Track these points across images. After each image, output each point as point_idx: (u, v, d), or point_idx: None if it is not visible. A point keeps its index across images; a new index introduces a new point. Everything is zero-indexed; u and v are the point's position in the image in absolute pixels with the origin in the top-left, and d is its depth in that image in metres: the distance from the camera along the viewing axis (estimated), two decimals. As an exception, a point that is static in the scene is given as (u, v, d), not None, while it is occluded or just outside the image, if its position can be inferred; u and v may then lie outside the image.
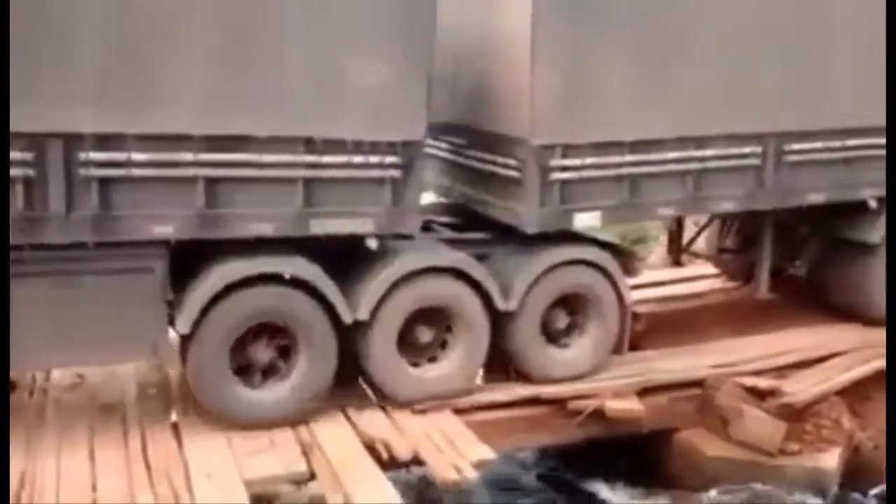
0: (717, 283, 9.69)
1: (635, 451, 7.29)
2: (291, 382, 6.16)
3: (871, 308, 8.49)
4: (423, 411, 6.41)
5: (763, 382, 7.16)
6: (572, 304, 7.16)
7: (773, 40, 7.33)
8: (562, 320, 7.16)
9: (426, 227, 7.66)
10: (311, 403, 6.19)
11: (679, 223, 9.80)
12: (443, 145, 7.98)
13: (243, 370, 6.12)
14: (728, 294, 9.34)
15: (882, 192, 8.13)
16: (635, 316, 7.66)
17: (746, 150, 7.44)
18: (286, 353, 6.20)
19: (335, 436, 5.98)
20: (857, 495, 7.05)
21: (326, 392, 6.25)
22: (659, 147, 7.06)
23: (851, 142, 7.87)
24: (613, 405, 6.81)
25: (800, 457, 6.92)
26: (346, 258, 6.35)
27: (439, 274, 6.49)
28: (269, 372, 6.21)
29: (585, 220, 6.93)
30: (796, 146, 7.63)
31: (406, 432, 6.13)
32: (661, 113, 6.99)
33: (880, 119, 7.87)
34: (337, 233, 6.05)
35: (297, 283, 5.99)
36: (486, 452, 5.92)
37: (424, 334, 6.61)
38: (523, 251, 6.95)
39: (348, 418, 6.27)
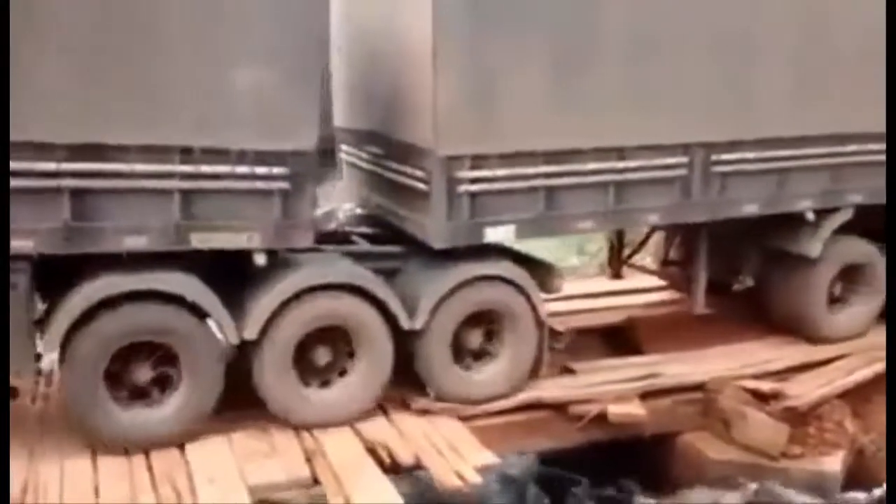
0: (659, 297, 9.34)
1: (638, 455, 7.21)
2: (174, 403, 5.82)
3: (812, 325, 8.19)
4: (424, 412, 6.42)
5: (765, 385, 7.14)
6: (487, 323, 6.83)
7: (698, 46, 6.98)
8: (476, 339, 6.82)
9: (345, 240, 7.40)
10: (195, 425, 5.85)
11: (619, 234, 9.47)
12: (363, 154, 7.69)
13: (124, 390, 5.79)
14: (664, 308, 8.97)
15: (820, 203, 7.84)
16: (556, 333, 7.35)
17: (671, 160, 7.10)
18: (169, 372, 5.86)
19: (338, 440, 5.98)
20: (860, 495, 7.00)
21: (211, 413, 5.92)
22: (576, 158, 6.72)
23: (786, 152, 7.54)
24: (616, 409, 6.76)
25: (803, 460, 6.88)
26: (240, 273, 6.02)
27: (337, 291, 6.15)
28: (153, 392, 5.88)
29: (498, 235, 6.59)
30: (726, 157, 7.29)
31: (408, 437, 6.11)
32: (578, 122, 6.63)
33: (816, 128, 7.59)
34: (221, 247, 5.71)
35: (178, 300, 5.66)
36: (489, 457, 5.90)
37: (323, 355, 6.27)
38: (435, 266, 6.61)
39: (351, 423, 6.23)
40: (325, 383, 6.31)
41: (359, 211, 7.94)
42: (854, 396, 7.34)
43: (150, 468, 5.51)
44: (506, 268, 6.71)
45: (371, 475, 5.59)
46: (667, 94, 6.92)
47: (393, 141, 6.94)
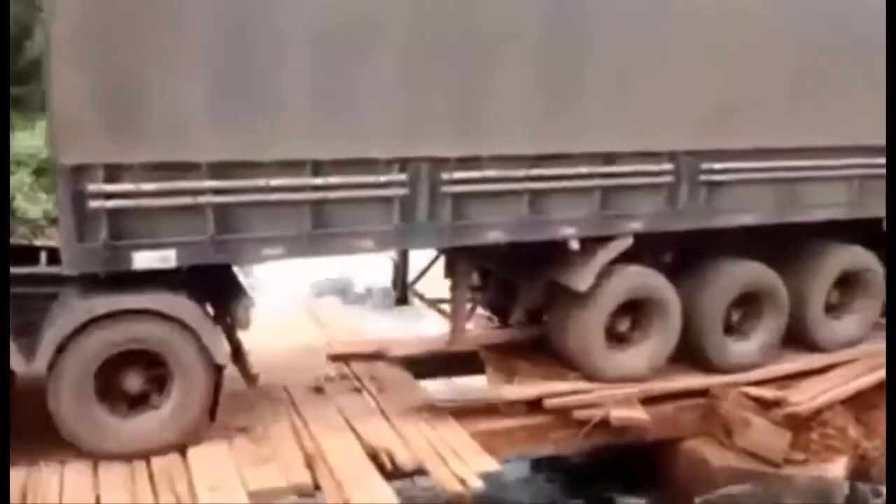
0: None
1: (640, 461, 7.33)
2: None
3: (589, 364, 7.16)
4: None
5: (767, 392, 7.16)
6: (149, 364, 5.78)
7: (414, 43, 5.92)
8: (134, 383, 5.77)
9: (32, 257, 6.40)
10: None
11: (403, 256, 8.39)
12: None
13: None
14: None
15: (587, 231, 6.80)
16: (250, 376, 6.29)
17: (386, 178, 6.03)
18: None
19: (339, 446, 5.94)
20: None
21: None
22: (255, 171, 5.65)
23: (537, 171, 6.48)
24: (618, 414, 6.74)
25: (806, 466, 6.91)
26: None
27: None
28: None
29: (150, 260, 5.53)
30: (458, 175, 6.22)
31: (410, 442, 6.08)
32: (255, 129, 5.59)
33: (573, 145, 6.53)
34: None
35: None
36: (491, 463, 5.90)
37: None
38: (86, 294, 5.57)
39: (352, 428, 6.23)
40: None
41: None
42: (857, 402, 7.35)
43: (150, 475, 5.45)
44: (164, 300, 5.64)
45: (372, 480, 5.54)
46: (375, 99, 5.87)
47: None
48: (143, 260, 5.50)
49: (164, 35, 5.26)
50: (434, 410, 6.53)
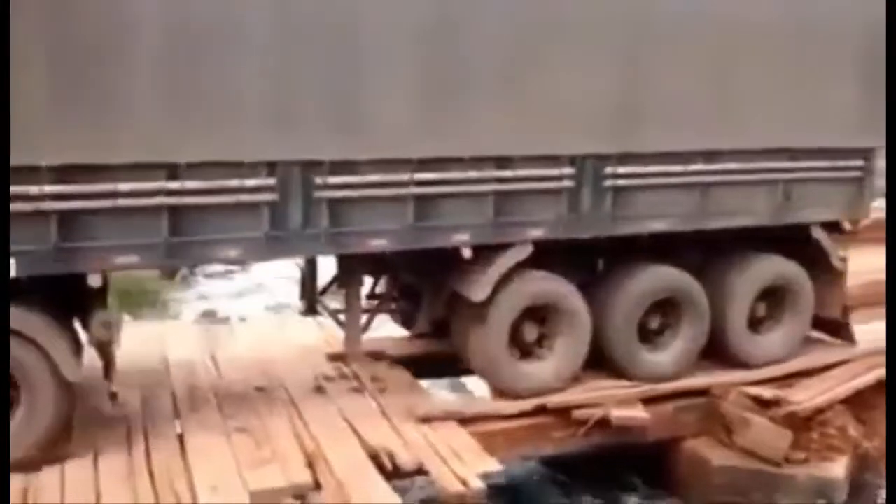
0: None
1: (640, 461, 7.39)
2: None
3: (493, 375, 6.89)
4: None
5: (767, 392, 7.14)
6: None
7: (279, 35, 5.56)
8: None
9: None
10: None
11: (311, 264, 8.02)
12: None
13: None
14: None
15: (481, 238, 6.42)
16: (113, 395, 5.96)
17: (252, 182, 5.68)
18: None
19: (340, 446, 5.93)
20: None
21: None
22: (103, 175, 5.30)
23: (423, 175, 6.10)
24: (619, 413, 6.75)
25: (806, 466, 6.91)
26: None
27: None
28: None
29: (-12, 272, 5.19)
30: (333, 180, 5.85)
31: (411, 443, 6.06)
32: (102, 130, 5.25)
33: (459, 148, 6.17)
34: None
35: None
36: (492, 464, 5.90)
37: None
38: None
39: (353, 429, 6.20)
40: None
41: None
42: (857, 402, 7.36)
43: (151, 474, 5.44)
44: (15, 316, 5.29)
45: (373, 481, 5.53)
46: (238, 98, 5.53)
47: None
48: (-21, 272, 5.16)
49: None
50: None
